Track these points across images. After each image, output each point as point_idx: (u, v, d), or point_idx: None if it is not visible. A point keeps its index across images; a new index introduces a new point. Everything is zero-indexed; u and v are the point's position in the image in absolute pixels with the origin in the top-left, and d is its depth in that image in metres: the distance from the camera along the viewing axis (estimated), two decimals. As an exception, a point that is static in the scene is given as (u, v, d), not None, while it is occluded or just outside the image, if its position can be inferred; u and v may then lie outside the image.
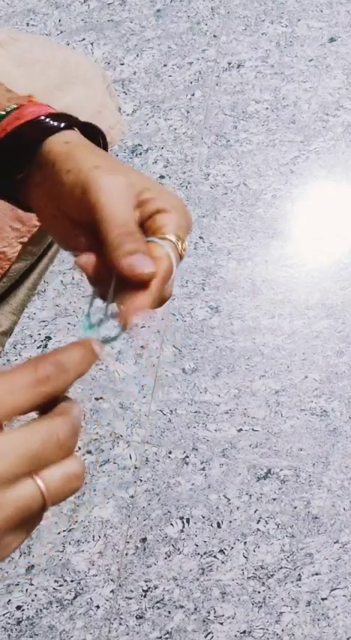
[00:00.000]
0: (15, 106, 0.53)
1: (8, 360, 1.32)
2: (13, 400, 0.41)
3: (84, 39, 1.64)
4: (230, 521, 1.21)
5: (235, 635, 1.15)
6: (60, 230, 0.51)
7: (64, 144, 0.50)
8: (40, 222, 0.52)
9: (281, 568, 1.19)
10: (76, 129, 0.53)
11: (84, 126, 0.54)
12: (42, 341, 1.34)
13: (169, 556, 1.19)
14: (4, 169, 0.51)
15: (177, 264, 0.49)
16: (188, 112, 1.55)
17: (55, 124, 0.51)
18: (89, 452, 1.25)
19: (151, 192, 0.49)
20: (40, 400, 0.42)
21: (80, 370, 0.44)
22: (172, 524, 1.21)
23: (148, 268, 0.46)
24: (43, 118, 0.51)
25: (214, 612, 1.16)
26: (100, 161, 0.48)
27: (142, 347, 1.33)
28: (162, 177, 1.48)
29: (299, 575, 1.18)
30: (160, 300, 0.49)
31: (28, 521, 0.42)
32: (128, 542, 1.20)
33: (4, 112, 0.52)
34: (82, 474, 0.43)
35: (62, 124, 0.51)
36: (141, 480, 1.24)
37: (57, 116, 0.52)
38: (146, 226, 0.49)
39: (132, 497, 1.23)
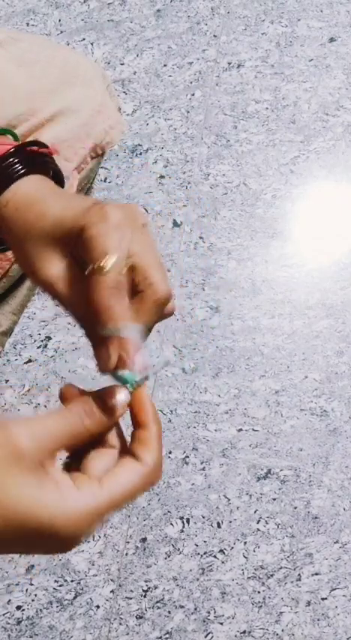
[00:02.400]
0: None
1: (8, 360, 1.32)
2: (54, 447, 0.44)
3: (84, 39, 1.64)
4: (230, 521, 1.21)
5: (235, 635, 1.15)
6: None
7: (14, 211, 0.52)
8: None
9: (281, 568, 1.19)
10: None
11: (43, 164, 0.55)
12: (42, 341, 1.34)
13: (169, 556, 1.19)
14: None
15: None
16: (188, 112, 1.55)
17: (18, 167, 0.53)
18: (89, 452, 1.25)
19: (70, 236, 0.49)
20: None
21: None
22: (172, 524, 1.21)
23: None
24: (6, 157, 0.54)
25: (214, 612, 1.16)
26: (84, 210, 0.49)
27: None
28: (162, 177, 1.48)
29: (299, 575, 1.18)
30: (167, 315, 0.51)
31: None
32: (128, 542, 1.20)
33: None
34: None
35: (22, 169, 0.53)
36: (141, 480, 1.24)
37: (22, 155, 0.54)
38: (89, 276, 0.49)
39: (132, 497, 1.23)
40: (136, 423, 0.49)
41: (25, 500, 0.41)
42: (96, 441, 0.47)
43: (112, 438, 0.48)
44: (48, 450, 0.43)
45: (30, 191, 0.52)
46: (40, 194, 0.53)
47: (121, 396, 0.47)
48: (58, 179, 0.58)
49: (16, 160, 0.54)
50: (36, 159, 0.55)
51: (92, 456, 0.46)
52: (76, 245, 0.49)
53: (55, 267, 0.50)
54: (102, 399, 0.47)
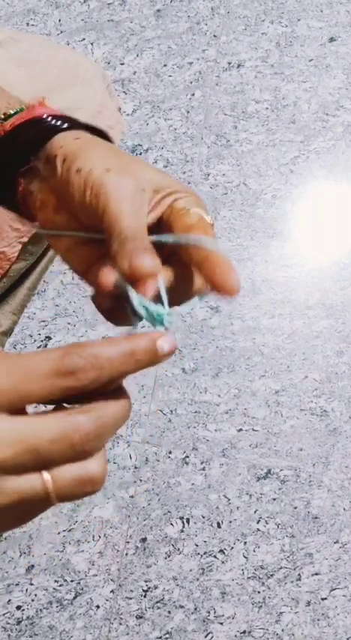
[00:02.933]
0: (23, 107, 0.53)
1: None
2: (26, 388, 0.38)
3: (84, 39, 1.64)
4: (230, 521, 1.21)
5: (235, 635, 1.15)
6: (59, 226, 0.50)
7: (74, 140, 0.49)
8: (38, 220, 0.50)
9: (281, 568, 1.19)
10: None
11: (89, 128, 0.53)
12: (42, 341, 1.34)
13: (169, 556, 1.19)
14: (9, 164, 0.51)
15: (208, 230, 0.47)
16: (188, 112, 1.55)
17: (59, 122, 0.51)
18: (89, 452, 1.25)
19: (164, 189, 0.48)
20: (58, 394, 0.38)
21: (121, 369, 0.40)
22: (172, 524, 1.21)
23: (149, 263, 0.43)
24: (46, 116, 0.51)
25: (214, 612, 1.16)
26: (112, 162, 0.47)
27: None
28: (162, 177, 1.48)
29: (299, 575, 1.18)
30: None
31: (25, 513, 0.40)
32: (128, 542, 1.20)
33: (12, 111, 0.52)
34: (98, 479, 0.39)
35: (66, 124, 0.51)
36: (141, 480, 1.24)
37: (62, 117, 0.52)
38: (167, 218, 0.47)
39: (132, 497, 1.23)
40: None
41: None
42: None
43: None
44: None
45: (90, 135, 0.51)
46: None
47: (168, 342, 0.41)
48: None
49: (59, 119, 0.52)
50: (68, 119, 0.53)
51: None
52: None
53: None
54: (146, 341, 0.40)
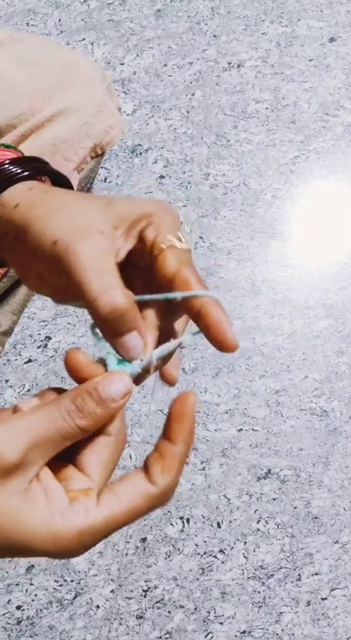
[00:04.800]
0: None
1: (8, 360, 1.32)
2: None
3: (84, 39, 1.64)
4: (230, 521, 1.21)
5: (235, 635, 1.15)
6: (53, 285, 0.48)
7: (13, 209, 0.47)
8: (30, 284, 0.49)
9: (281, 568, 1.19)
10: (39, 177, 0.51)
11: (49, 172, 0.52)
12: (42, 341, 1.34)
13: (169, 556, 1.19)
14: None
15: (188, 264, 0.46)
16: (188, 112, 1.55)
17: (19, 170, 0.49)
18: (89, 452, 1.25)
19: (126, 219, 0.46)
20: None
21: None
22: (172, 524, 1.21)
23: (137, 350, 0.44)
24: (2, 163, 0.50)
25: (214, 612, 1.16)
26: (57, 227, 0.44)
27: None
28: (162, 177, 1.48)
29: (299, 575, 1.18)
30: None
31: None
32: (128, 542, 1.20)
33: None
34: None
35: (24, 172, 0.49)
36: (141, 480, 1.24)
37: (18, 162, 0.50)
38: (140, 249, 0.46)
39: (132, 497, 1.23)
40: (167, 430, 0.44)
41: (11, 523, 0.39)
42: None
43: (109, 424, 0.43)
44: (35, 460, 0.40)
45: (42, 188, 0.48)
46: (55, 191, 0.48)
47: (121, 385, 0.42)
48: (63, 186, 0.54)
49: (15, 166, 0.50)
50: (34, 164, 0.52)
51: (85, 446, 0.42)
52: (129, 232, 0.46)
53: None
54: (95, 389, 0.42)
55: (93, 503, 0.40)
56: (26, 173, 0.50)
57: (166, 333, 0.47)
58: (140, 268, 0.47)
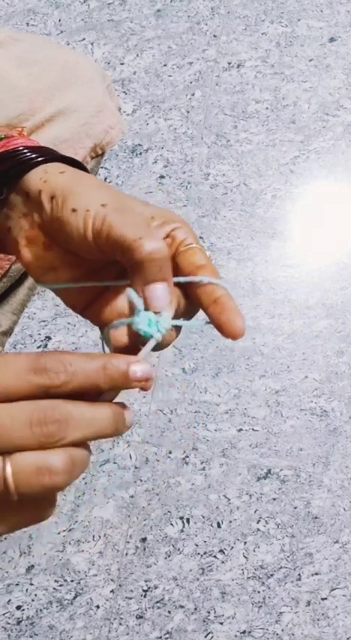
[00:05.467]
0: (2, 136, 0.52)
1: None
2: (3, 382, 0.40)
3: (84, 39, 1.64)
4: (230, 521, 1.21)
5: (235, 635, 1.15)
6: (50, 262, 0.49)
7: (59, 174, 0.48)
8: (22, 257, 0.50)
9: (281, 568, 1.19)
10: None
11: (65, 160, 0.52)
12: (42, 341, 1.34)
13: (169, 556, 1.19)
14: None
15: (213, 268, 0.51)
16: (188, 112, 1.55)
17: (35, 155, 0.50)
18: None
19: (159, 217, 0.49)
20: (32, 390, 0.40)
21: (92, 379, 0.42)
22: (172, 524, 1.21)
23: (164, 300, 0.46)
24: (22, 148, 0.50)
25: (214, 612, 1.16)
26: (105, 197, 0.47)
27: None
28: (162, 177, 1.48)
29: (299, 575, 1.18)
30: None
31: None
32: (128, 542, 1.20)
33: None
34: (57, 471, 0.40)
35: (41, 157, 0.50)
36: (141, 480, 1.24)
37: (40, 149, 0.51)
38: (169, 246, 0.48)
39: (132, 497, 1.23)
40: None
41: None
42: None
43: None
44: None
45: (72, 169, 0.50)
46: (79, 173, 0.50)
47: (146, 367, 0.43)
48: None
49: (30, 152, 0.51)
50: (48, 150, 0.53)
51: None
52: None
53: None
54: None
55: None
56: (41, 158, 0.51)
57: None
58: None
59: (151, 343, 0.45)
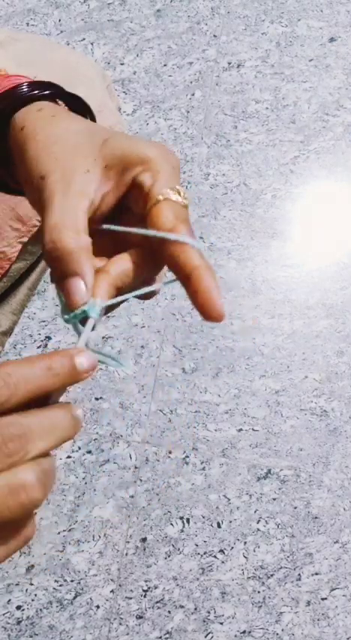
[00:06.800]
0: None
1: (8, 360, 1.32)
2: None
3: (84, 39, 1.64)
4: (230, 521, 1.21)
5: (235, 635, 1.15)
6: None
7: (37, 112, 0.46)
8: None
9: (281, 568, 1.19)
10: (58, 101, 0.50)
11: (69, 97, 0.51)
12: (42, 341, 1.34)
13: (169, 556, 1.19)
14: None
15: (185, 220, 0.44)
16: (188, 112, 1.55)
17: (28, 91, 0.49)
18: (89, 452, 1.25)
19: (121, 160, 0.44)
20: None
21: (38, 384, 0.40)
22: (172, 524, 1.21)
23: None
24: (20, 85, 0.49)
25: (214, 612, 1.16)
26: (51, 165, 0.44)
27: (142, 347, 1.33)
28: (162, 177, 1.48)
29: (299, 575, 1.18)
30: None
31: None
32: (128, 542, 1.20)
33: None
34: (33, 484, 0.38)
35: (36, 92, 0.49)
36: (141, 480, 1.24)
37: (34, 84, 0.50)
38: (135, 195, 0.44)
39: (132, 497, 1.23)
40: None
41: None
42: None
43: None
44: None
45: (50, 110, 0.48)
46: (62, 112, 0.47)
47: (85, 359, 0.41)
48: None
49: (30, 88, 0.49)
50: (50, 87, 0.50)
51: None
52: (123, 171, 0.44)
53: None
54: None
55: None
56: (37, 92, 0.49)
57: (145, 283, 0.46)
58: (135, 215, 0.45)
59: (89, 326, 0.43)
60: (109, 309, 0.44)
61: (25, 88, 0.49)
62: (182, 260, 0.42)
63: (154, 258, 0.44)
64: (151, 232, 0.42)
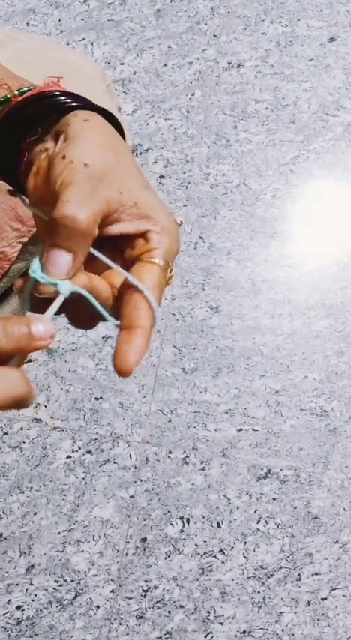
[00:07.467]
0: (36, 86, 0.52)
1: None
2: None
3: (84, 39, 1.64)
4: (230, 521, 1.21)
5: (235, 635, 1.15)
6: (44, 195, 0.49)
7: (83, 121, 0.48)
8: (28, 184, 0.50)
9: (281, 568, 1.19)
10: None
11: (103, 112, 0.53)
12: (42, 341, 1.34)
13: (169, 556, 1.19)
14: (16, 132, 0.51)
15: (162, 292, 0.48)
16: (188, 111, 1.55)
17: (69, 100, 0.51)
18: (89, 452, 1.25)
19: (140, 206, 0.47)
20: None
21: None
22: (172, 524, 1.21)
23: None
24: (57, 92, 0.51)
25: (214, 612, 1.16)
26: (96, 158, 0.46)
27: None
28: (162, 177, 1.48)
29: (299, 575, 1.18)
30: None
31: None
32: (128, 542, 1.20)
33: (26, 88, 0.52)
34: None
35: (75, 103, 0.51)
36: (141, 480, 1.24)
37: (74, 96, 0.52)
38: (135, 244, 0.47)
39: (132, 497, 1.23)
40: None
41: None
42: None
43: None
44: None
45: (93, 123, 0.49)
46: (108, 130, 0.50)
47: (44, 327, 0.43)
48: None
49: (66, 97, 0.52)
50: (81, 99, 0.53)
51: None
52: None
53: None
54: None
55: None
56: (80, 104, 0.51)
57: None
58: (116, 250, 0.48)
59: (58, 303, 0.44)
60: (59, 310, 0.46)
61: (62, 97, 0.51)
62: (136, 314, 0.46)
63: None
64: (135, 281, 0.46)
